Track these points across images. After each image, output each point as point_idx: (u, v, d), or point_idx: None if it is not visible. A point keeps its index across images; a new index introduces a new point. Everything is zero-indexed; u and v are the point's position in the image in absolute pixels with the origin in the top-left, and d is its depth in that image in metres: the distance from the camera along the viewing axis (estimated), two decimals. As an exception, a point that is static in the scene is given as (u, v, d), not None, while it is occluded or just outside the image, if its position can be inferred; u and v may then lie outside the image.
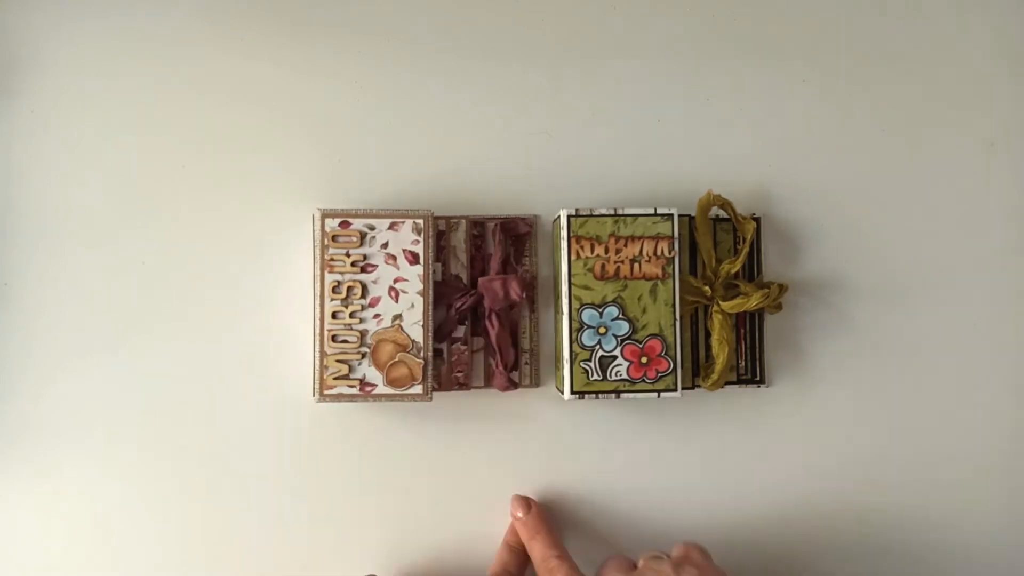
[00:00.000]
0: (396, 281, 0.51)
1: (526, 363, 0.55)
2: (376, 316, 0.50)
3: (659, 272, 0.51)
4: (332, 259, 0.50)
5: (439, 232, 0.54)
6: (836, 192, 0.57)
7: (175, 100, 0.54)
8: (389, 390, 0.50)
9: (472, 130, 0.55)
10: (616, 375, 0.50)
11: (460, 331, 0.53)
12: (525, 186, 0.55)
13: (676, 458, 0.55)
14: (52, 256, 0.53)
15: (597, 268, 0.51)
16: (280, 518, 0.53)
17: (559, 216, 0.52)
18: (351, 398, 0.50)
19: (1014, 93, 0.58)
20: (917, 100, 0.58)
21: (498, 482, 0.54)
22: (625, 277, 0.51)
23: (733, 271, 0.53)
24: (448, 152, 0.55)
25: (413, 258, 0.51)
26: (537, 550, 0.50)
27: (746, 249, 0.54)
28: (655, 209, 0.51)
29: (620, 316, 0.51)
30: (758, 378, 0.55)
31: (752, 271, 0.55)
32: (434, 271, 0.52)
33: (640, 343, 0.51)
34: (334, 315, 0.50)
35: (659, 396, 0.51)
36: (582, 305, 0.51)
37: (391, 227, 0.51)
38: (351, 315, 0.50)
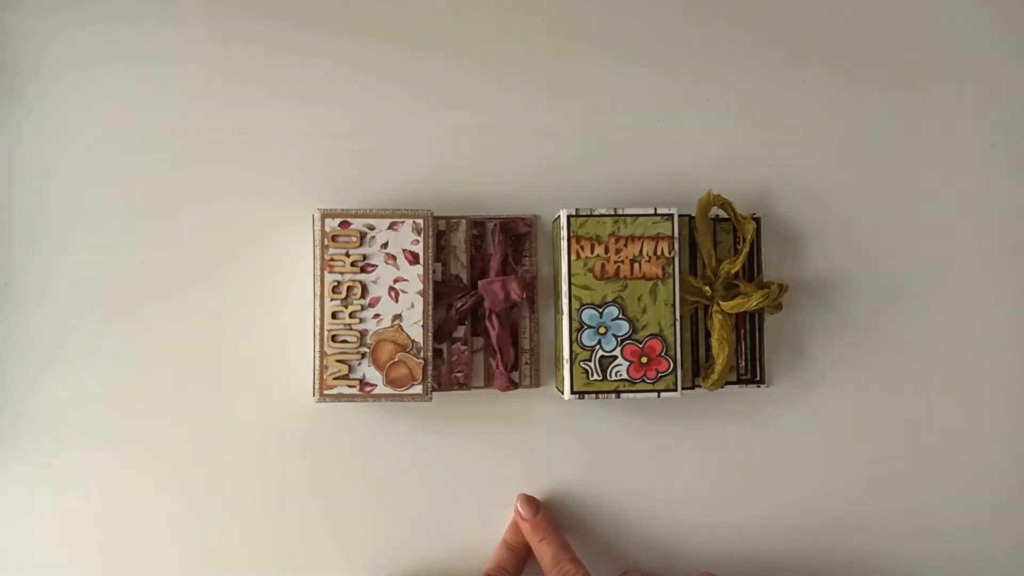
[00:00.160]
0: (396, 281, 0.51)
1: (526, 363, 0.55)
2: (376, 316, 0.50)
3: (659, 272, 0.51)
4: (332, 259, 0.50)
5: (439, 232, 0.54)
6: (836, 192, 0.57)
7: (175, 100, 0.54)
8: (389, 390, 0.50)
9: (472, 130, 0.55)
10: (616, 375, 0.50)
11: (460, 331, 0.53)
12: (525, 186, 0.55)
13: (676, 458, 0.55)
14: (52, 256, 0.53)
15: (597, 268, 0.51)
16: (280, 518, 0.53)
17: (559, 216, 0.52)
18: (351, 398, 0.50)
19: (1014, 93, 0.58)
20: (917, 100, 0.58)
21: (498, 482, 0.54)
22: (625, 277, 0.51)
23: (733, 271, 0.53)
24: (448, 152, 0.55)
25: (413, 258, 0.51)
26: (548, 554, 0.50)
27: (746, 249, 0.54)
28: (655, 209, 0.51)
29: (620, 316, 0.51)
30: (758, 378, 0.55)
31: (752, 271, 0.55)
32: (434, 271, 0.52)
33: (640, 343, 0.51)
34: (334, 315, 0.50)
35: (659, 396, 0.51)
36: (582, 305, 0.51)
37: (391, 227, 0.51)
38: (351, 315, 0.50)
